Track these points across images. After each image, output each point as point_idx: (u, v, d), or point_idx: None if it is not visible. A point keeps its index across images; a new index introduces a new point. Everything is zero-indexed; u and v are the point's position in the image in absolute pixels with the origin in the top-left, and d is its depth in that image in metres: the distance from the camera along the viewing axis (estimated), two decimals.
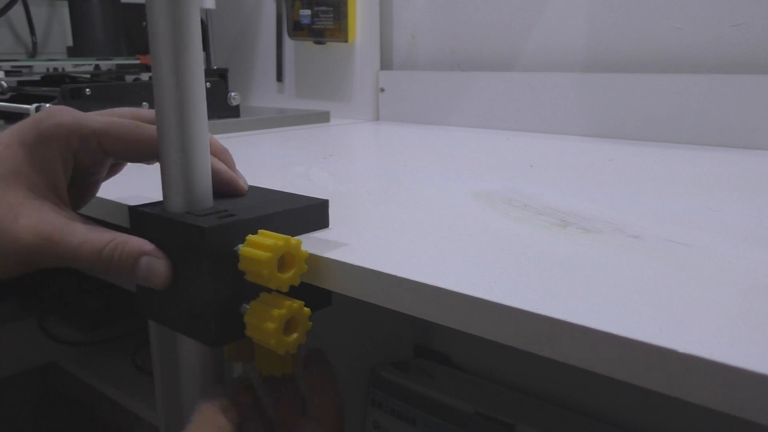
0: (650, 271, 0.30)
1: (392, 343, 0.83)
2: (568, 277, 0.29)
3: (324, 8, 0.95)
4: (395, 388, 0.77)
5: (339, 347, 0.73)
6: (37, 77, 0.91)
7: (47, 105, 0.69)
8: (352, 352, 0.75)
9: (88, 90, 0.73)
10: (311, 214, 0.37)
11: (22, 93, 0.83)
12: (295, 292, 0.33)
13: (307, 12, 0.97)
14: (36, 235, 0.33)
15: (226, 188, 0.38)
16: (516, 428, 0.69)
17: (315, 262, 0.32)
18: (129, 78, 0.90)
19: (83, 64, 0.95)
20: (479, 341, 0.71)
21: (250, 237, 0.32)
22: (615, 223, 0.38)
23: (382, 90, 0.95)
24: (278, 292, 0.33)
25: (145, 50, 1.00)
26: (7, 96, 0.83)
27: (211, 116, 0.52)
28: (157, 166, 0.35)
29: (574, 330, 0.24)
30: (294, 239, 0.32)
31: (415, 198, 0.46)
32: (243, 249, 0.32)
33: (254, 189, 0.40)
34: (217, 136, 0.39)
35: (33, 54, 1.18)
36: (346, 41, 0.94)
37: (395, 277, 0.29)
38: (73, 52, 0.96)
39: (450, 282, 0.28)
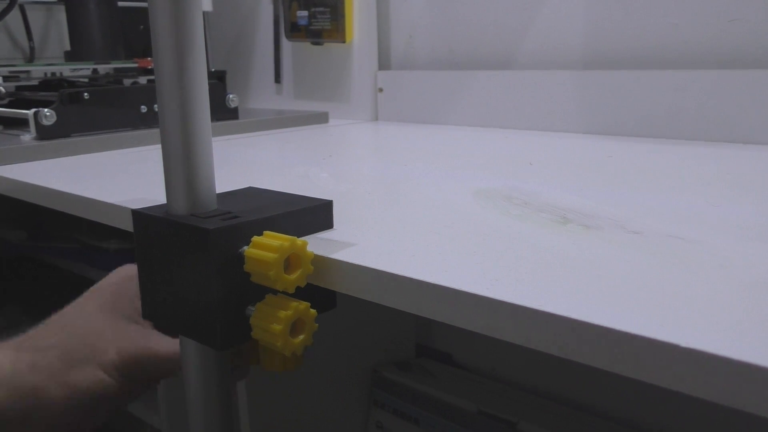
0: (651, 267, 0.30)
1: (394, 343, 0.83)
2: (569, 274, 0.29)
3: (321, 9, 0.95)
4: (398, 387, 0.77)
5: (341, 348, 0.73)
6: (35, 82, 0.91)
7: (45, 110, 0.69)
8: (353, 352, 0.75)
9: (86, 94, 0.73)
10: (315, 215, 0.37)
11: (20, 98, 0.83)
12: (299, 294, 0.33)
13: (304, 13, 0.97)
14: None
15: None
16: (519, 426, 0.69)
17: (321, 263, 0.32)
18: (127, 81, 0.90)
19: (81, 69, 0.95)
20: (481, 340, 0.71)
21: (256, 238, 0.32)
22: (616, 220, 0.38)
23: (381, 90, 0.95)
24: (284, 293, 0.33)
25: (142, 54, 1.00)
26: (6, 101, 0.83)
27: None
28: (160, 166, 0.35)
29: (576, 326, 0.24)
30: (300, 240, 0.32)
31: (416, 197, 0.46)
32: (249, 251, 0.32)
33: (257, 191, 0.40)
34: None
35: (31, 59, 1.18)
36: (343, 42, 0.94)
37: (404, 277, 0.29)
38: (70, 56, 0.96)
39: (453, 280, 0.28)
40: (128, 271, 0.45)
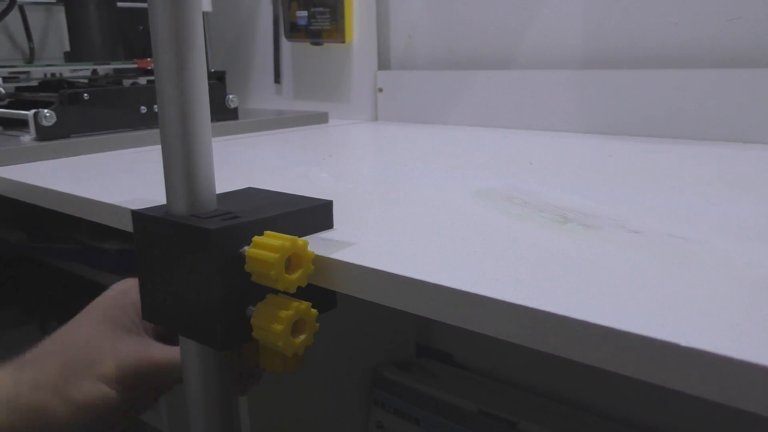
0: (651, 267, 0.30)
1: (394, 343, 0.83)
2: (569, 273, 0.29)
3: (321, 9, 0.95)
4: (398, 387, 0.77)
5: (341, 348, 0.73)
6: (34, 83, 0.91)
7: (45, 111, 0.69)
8: (354, 352, 0.75)
9: (86, 95, 0.73)
10: (315, 215, 0.37)
11: (20, 99, 0.83)
12: (300, 294, 0.33)
13: (304, 13, 0.97)
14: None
15: None
16: (519, 426, 0.69)
17: (322, 263, 0.32)
18: (126, 82, 0.90)
19: (81, 69, 0.95)
20: (481, 339, 0.71)
21: (257, 238, 0.32)
22: (615, 219, 0.38)
23: (380, 90, 0.95)
24: (285, 293, 0.33)
25: (142, 54, 1.00)
26: (5, 102, 0.83)
27: None
28: (160, 167, 0.35)
29: (576, 325, 0.24)
30: (301, 240, 0.32)
31: (416, 197, 0.46)
32: (250, 250, 0.32)
33: (257, 191, 0.40)
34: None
35: (30, 60, 1.18)
36: (343, 42, 0.94)
37: (404, 277, 0.29)
38: (70, 57, 0.96)
39: (453, 280, 0.28)
40: (125, 284, 0.45)
